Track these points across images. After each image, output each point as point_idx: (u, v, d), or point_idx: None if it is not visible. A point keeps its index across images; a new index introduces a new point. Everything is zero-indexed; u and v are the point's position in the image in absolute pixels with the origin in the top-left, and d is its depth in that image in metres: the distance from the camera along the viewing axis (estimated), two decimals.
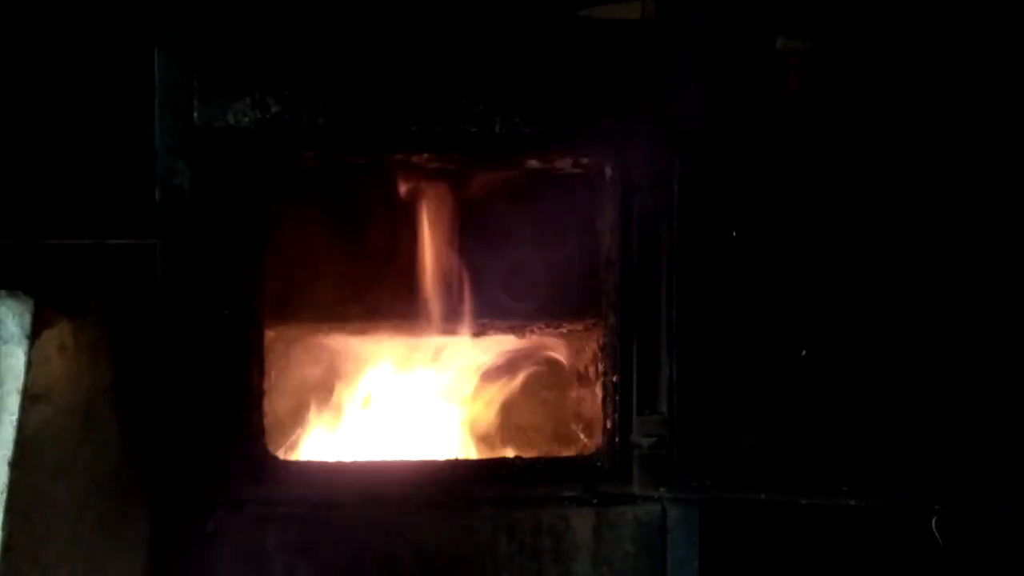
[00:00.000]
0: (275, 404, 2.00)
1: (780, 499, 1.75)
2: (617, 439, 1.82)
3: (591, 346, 2.06)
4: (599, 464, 1.85)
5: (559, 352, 2.21)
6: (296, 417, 2.15)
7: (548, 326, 2.09)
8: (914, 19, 2.13)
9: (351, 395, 2.18)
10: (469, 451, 2.17)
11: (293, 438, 2.12)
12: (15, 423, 1.36)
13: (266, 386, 1.84)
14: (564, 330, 2.13)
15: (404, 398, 2.19)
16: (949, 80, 2.13)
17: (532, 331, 2.12)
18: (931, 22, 2.13)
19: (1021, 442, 1.69)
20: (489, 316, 2.04)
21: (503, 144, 1.80)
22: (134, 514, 1.71)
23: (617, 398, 1.82)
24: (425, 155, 1.87)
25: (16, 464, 1.35)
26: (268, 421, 1.85)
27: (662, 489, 1.78)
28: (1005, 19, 2.08)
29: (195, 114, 1.72)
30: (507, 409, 2.28)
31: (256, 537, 1.74)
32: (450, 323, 2.05)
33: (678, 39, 1.80)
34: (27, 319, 1.39)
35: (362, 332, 2.08)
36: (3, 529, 1.33)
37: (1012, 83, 2.07)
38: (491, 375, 2.25)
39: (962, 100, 2.11)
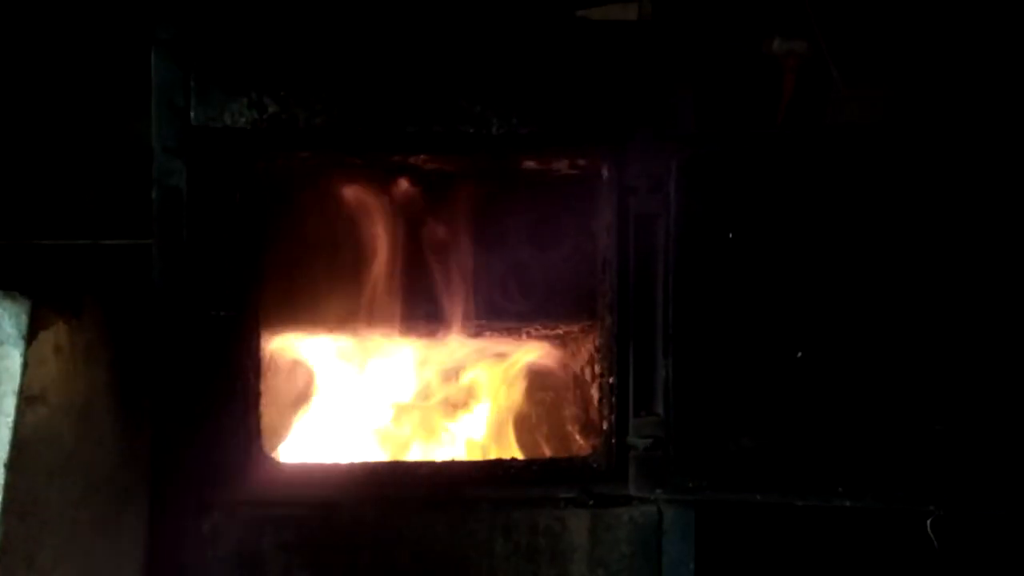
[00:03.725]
0: (271, 405, 2.00)
1: (776, 500, 1.75)
2: (613, 440, 1.82)
3: (587, 347, 2.06)
4: (595, 465, 1.85)
5: (556, 354, 2.21)
6: (292, 418, 2.15)
7: (544, 327, 2.10)
8: (912, 19, 2.14)
9: (347, 397, 2.18)
10: (466, 452, 2.17)
11: (289, 439, 2.12)
12: (11, 425, 1.36)
13: (262, 387, 1.84)
14: (560, 331, 2.13)
15: (400, 400, 2.19)
16: (947, 81, 2.14)
17: (529, 333, 2.12)
18: (929, 22, 2.14)
19: (1015, 443, 1.70)
20: (486, 318, 2.04)
21: (500, 145, 1.80)
22: (131, 515, 1.71)
23: (613, 399, 1.82)
24: (422, 156, 1.87)
25: (12, 466, 1.35)
26: (264, 422, 1.85)
27: (658, 490, 1.78)
28: (1005, 20, 2.09)
29: (192, 114, 1.72)
30: (504, 411, 2.28)
31: (253, 538, 1.74)
32: (446, 325, 2.04)
33: (675, 40, 1.80)
34: (23, 320, 1.39)
35: (356, 333, 2.07)
36: None
37: (1011, 86, 2.08)
38: (487, 376, 2.25)
39: (960, 102, 2.12)
